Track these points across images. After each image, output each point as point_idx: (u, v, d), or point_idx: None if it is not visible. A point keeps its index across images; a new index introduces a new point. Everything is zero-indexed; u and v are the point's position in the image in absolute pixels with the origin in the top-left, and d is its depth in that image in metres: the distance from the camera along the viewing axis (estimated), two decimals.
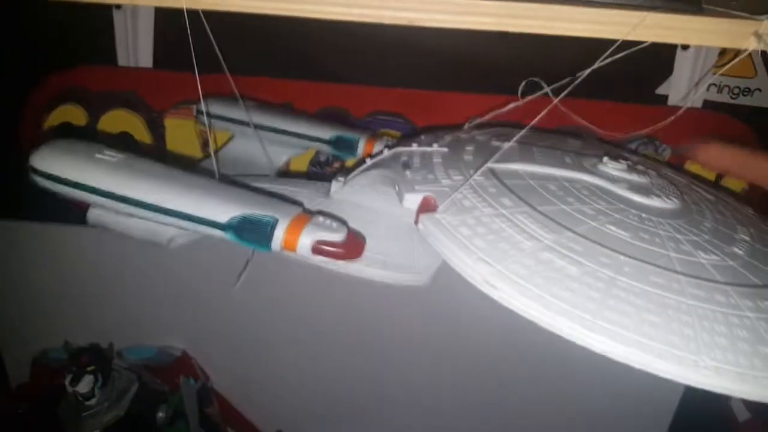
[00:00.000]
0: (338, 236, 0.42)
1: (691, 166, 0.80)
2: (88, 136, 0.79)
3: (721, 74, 0.82)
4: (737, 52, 0.83)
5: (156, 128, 0.79)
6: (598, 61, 0.46)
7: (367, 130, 0.68)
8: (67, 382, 0.79)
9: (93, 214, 0.50)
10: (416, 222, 0.41)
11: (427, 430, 0.98)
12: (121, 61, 0.81)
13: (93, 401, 0.82)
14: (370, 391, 0.95)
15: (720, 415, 0.92)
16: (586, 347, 0.31)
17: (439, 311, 0.84)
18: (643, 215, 0.43)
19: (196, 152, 0.79)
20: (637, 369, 0.31)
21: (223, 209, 0.42)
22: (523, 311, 0.33)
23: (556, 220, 0.39)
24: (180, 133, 0.78)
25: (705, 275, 0.37)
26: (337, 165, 0.79)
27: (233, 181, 0.50)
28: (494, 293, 0.34)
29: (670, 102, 0.82)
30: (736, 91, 0.83)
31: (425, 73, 0.82)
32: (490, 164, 0.46)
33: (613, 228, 0.40)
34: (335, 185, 0.52)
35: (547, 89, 0.50)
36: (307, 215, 0.43)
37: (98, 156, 0.45)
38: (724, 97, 0.83)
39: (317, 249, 0.41)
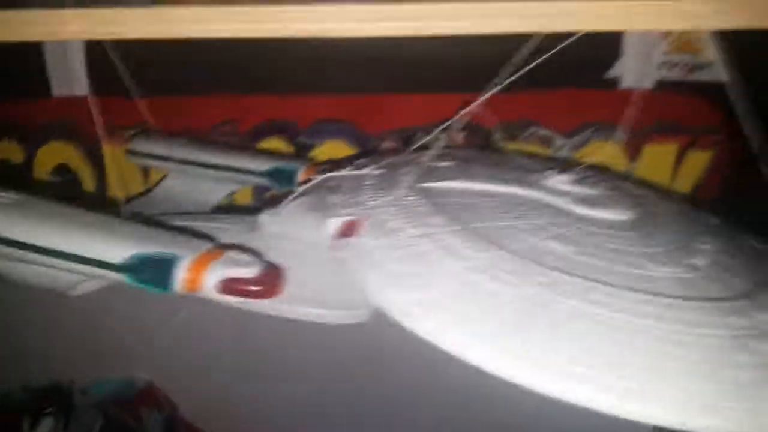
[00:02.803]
0: (250, 271, 0.38)
1: (648, 149, 0.78)
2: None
3: (672, 51, 0.79)
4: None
5: (96, 158, 0.76)
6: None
7: (307, 160, 0.65)
8: (25, 426, 0.77)
9: None
10: (331, 248, 0.38)
11: None
12: (56, 91, 0.78)
13: None
14: (341, 418, 0.92)
15: None
16: (512, 382, 0.28)
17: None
18: (591, 229, 0.40)
19: (136, 181, 0.76)
20: None
21: (116, 248, 0.38)
22: (438, 341, 0.29)
23: (488, 239, 0.36)
24: (119, 162, 0.75)
25: (657, 291, 0.33)
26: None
27: (146, 218, 0.47)
28: (407, 321, 0.30)
29: (623, 85, 0.80)
30: (690, 66, 0.80)
31: (370, 77, 0.79)
32: (420, 183, 0.44)
33: (554, 243, 0.37)
34: (263, 218, 0.49)
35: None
36: (218, 251, 0.39)
37: None
38: (677, 74, 0.81)
39: (225, 288, 0.37)
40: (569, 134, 0.79)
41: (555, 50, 0.45)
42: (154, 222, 0.43)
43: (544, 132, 0.78)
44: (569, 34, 0.45)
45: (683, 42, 0.80)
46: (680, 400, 0.26)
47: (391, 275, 0.33)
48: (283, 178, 0.61)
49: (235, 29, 0.33)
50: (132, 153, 0.66)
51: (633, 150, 0.79)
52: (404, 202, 0.40)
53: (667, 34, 0.78)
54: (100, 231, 0.40)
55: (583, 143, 0.79)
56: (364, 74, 0.79)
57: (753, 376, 0.27)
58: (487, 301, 0.30)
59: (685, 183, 0.80)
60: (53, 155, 0.76)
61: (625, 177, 0.74)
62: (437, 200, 0.41)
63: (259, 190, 0.75)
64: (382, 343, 0.77)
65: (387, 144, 0.78)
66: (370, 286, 0.33)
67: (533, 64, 0.47)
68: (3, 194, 0.42)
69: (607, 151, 0.78)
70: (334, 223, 0.39)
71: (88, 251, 0.38)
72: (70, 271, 0.39)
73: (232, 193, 0.68)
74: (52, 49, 0.77)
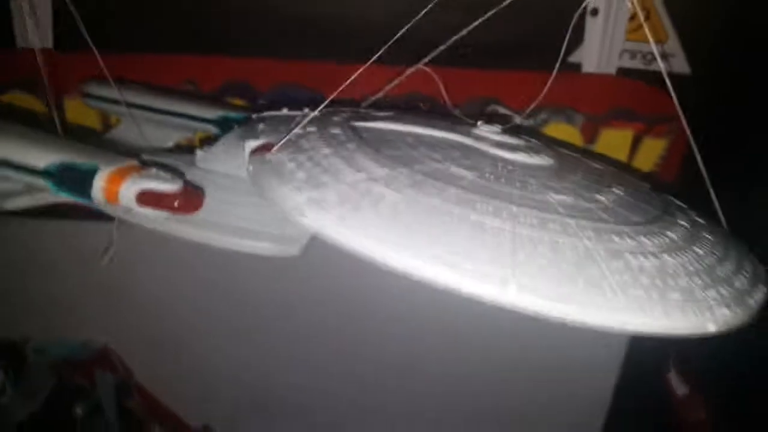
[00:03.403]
0: (170, 187, 0.39)
1: (605, 134, 0.79)
2: None
3: (634, 40, 0.81)
4: (646, 17, 0.83)
5: (58, 111, 0.77)
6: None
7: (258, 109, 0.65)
8: None
9: None
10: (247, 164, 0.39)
11: (354, 417, 0.96)
12: (20, 43, 0.79)
13: (4, 398, 0.79)
14: (294, 382, 0.93)
15: (659, 392, 0.91)
16: (392, 270, 0.30)
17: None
18: (500, 164, 0.41)
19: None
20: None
21: (41, 155, 0.40)
22: (328, 236, 0.31)
23: (394, 160, 0.38)
24: (79, 114, 0.76)
25: (546, 208, 0.35)
26: None
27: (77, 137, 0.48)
28: (303, 221, 0.32)
29: (584, 69, 0.81)
30: (649, 57, 0.81)
31: (331, 43, 0.80)
32: (354, 122, 0.45)
33: (457, 169, 0.38)
34: (199, 154, 0.50)
35: None
36: (137, 166, 0.41)
37: None
38: (638, 64, 0.82)
39: (144, 200, 0.39)
40: (529, 114, 0.80)
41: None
42: (83, 140, 0.44)
43: (503, 110, 0.78)
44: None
45: (645, 32, 0.81)
46: (542, 290, 0.28)
47: (293, 181, 0.34)
48: (232, 126, 0.62)
49: None
50: (87, 96, 0.68)
51: (590, 133, 0.80)
52: (326, 132, 0.41)
53: (630, 23, 0.80)
54: (31, 141, 0.42)
55: (542, 123, 0.80)
56: (329, 42, 0.80)
57: (620, 279, 0.29)
58: (379, 203, 0.32)
59: (641, 168, 0.81)
60: (15, 104, 0.76)
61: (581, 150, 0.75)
62: (361, 134, 0.42)
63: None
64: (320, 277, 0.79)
65: None
66: (271, 192, 0.34)
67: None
68: None
69: (564, 133, 0.80)
70: (252, 144, 0.40)
71: (15, 156, 0.40)
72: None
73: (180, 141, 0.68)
74: (18, 1, 0.78)
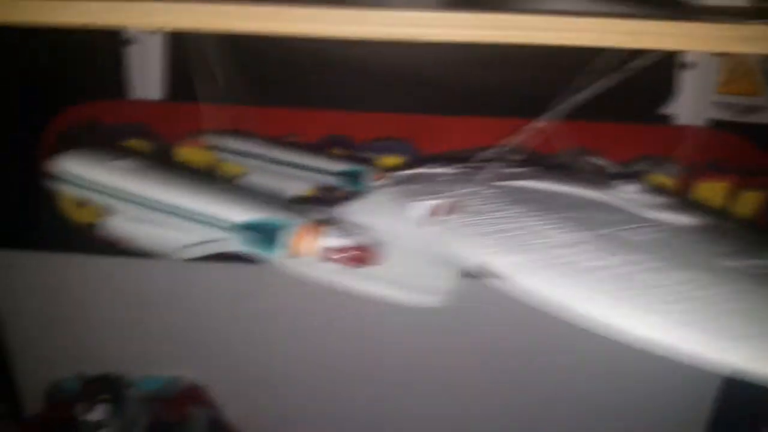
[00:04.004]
0: (352, 241, 0.42)
1: (700, 186, 0.80)
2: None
3: (727, 92, 0.82)
4: (740, 70, 0.84)
5: (169, 159, 0.80)
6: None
7: (375, 167, 0.69)
8: (79, 411, 0.80)
9: (107, 223, 0.50)
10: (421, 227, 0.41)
11: None
12: (135, 94, 0.83)
13: (105, 431, 0.82)
14: (386, 415, 0.94)
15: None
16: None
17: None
18: (658, 226, 0.43)
19: None
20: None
21: (234, 210, 0.43)
22: (537, 295, 0.34)
23: (564, 223, 0.40)
24: (192, 161, 0.79)
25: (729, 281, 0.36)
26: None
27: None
28: (489, 275, 0.35)
29: (678, 121, 0.82)
30: (743, 109, 0.82)
31: (428, 97, 0.83)
32: (494, 182, 0.47)
33: (625, 233, 0.40)
34: (352, 208, 0.52)
35: None
36: (318, 223, 0.43)
37: (115, 161, 0.47)
38: (732, 116, 0.83)
39: (329, 254, 0.42)
40: (623, 165, 0.81)
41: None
42: (266, 193, 0.46)
43: (599, 161, 0.80)
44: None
45: (738, 84, 0.82)
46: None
47: (483, 246, 0.36)
48: (352, 178, 0.65)
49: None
50: (217, 149, 0.70)
51: (686, 185, 0.81)
52: (483, 193, 0.44)
53: (722, 75, 0.81)
54: (225, 195, 0.45)
55: (640, 175, 0.81)
56: (423, 95, 0.83)
57: None
58: (569, 267, 0.34)
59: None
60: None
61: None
62: (511, 193, 0.45)
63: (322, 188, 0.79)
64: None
65: None
66: (466, 255, 0.37)
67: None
68: (129, 159, 0.47)
69: (659, 184, 0.81)
70: (424, 206, 0.42)
71: (209, 209, 0.43)
72: (184, 228, 0.44)
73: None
74: (134, 54, 0.82)
